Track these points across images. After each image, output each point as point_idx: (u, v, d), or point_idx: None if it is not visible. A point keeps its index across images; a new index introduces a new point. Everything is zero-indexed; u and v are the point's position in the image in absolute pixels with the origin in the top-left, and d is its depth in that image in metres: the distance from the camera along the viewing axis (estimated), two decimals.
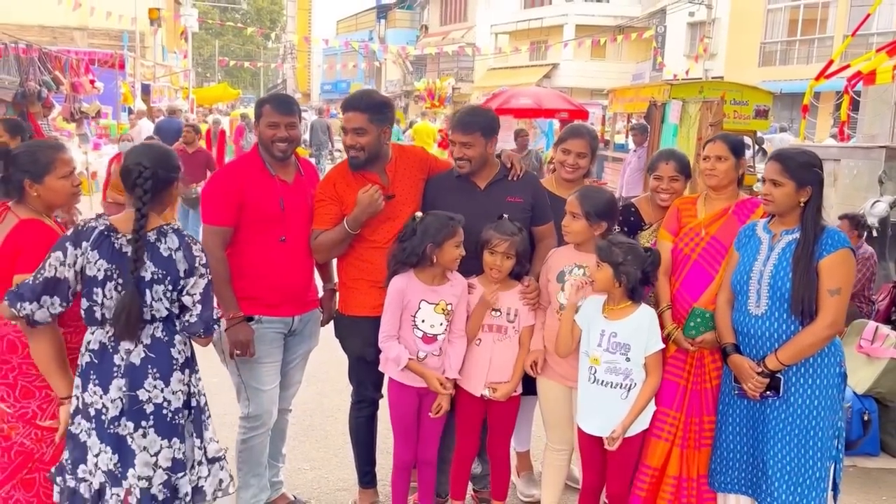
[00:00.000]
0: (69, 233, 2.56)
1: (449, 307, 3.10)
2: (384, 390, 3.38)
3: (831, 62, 10.10)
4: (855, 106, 10.10)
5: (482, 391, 3.17)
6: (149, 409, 2.54)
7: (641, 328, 2.94)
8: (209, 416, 2.76)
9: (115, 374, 2.52)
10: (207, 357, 5.40)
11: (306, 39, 38.40)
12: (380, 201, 3.09)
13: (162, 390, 2.55)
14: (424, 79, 26.96)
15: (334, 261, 3.42)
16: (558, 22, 34.12)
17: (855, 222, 5.77)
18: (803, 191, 2.79)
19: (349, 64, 35.63)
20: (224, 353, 3.20)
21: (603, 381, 2.96)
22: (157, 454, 2.55)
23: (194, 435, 2.68)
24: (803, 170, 2.79)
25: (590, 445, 3.09)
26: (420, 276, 3.10)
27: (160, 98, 20.74)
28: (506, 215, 3.14)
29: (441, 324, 3.10)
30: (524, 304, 3.18)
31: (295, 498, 3.61)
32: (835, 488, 2.94)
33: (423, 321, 3.10)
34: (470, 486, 3.61)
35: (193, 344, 2.75)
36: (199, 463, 2.67)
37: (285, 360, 3.33)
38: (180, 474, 2.59)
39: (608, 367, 2.95)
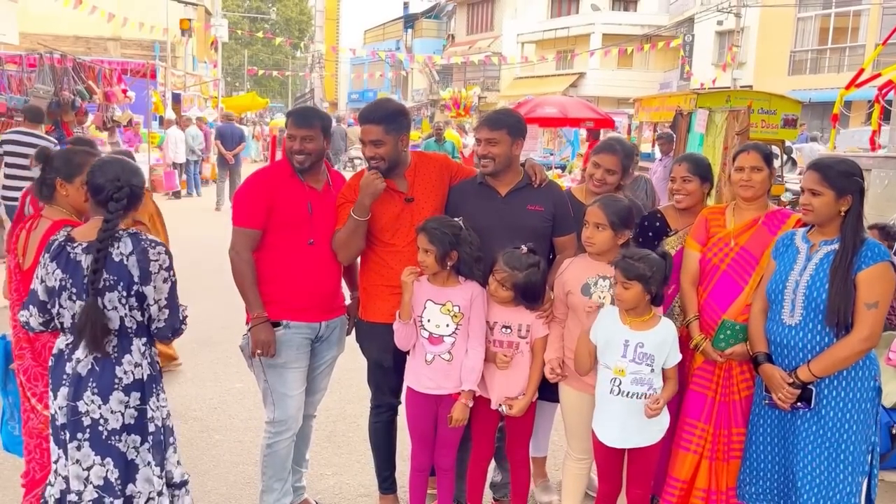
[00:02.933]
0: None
1: (456, 309, 3.10)
2: (403, 396, 3.41)
3: (862, 71, 9.98)
4: (886, 115, 9.94)
5: (499, 407, 3.17)
6: (86, 422, 2.48)
7: (667, 341, 2.93)
8: (174, 440, 2.69)
9: (64, 382, 2.51)
10: (230, 363, 5.49)
11: (334, 49, 38.78)
12: (378, 183, 3.10)
13: (99, 406, 2.47)
14: (450, 88, 27.04)
15: None
16: (585, 31, 34.08)
17: (885, 233, 5.66)
18: (843, 200, 2.74)
19: (376, 73, 35.88)
20: (250, 357, 3.24)
21: (629, 393, 2.93)
22: (89, 469, 2.49)
23: (152, 464, 2.55)
24: (843, 178, 2.74)
25: (607, 455, 3.08)
26: (432, 278, 3.13)
27: (190, 107, 21.06)
28: (525, 247, 3.08)
29: (447, 325, 3.10)
30: (537, 318, 3.15)
31: (316, 503, 3.64)
32: None
33: (428, 321, 3.12)
34: (490, 495, 3.61)
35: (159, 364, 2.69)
36: (160, 493, 2.55)
37: (312, 365, 3.36)
38: (111, 498, 2.49)
39: (634, 378, 2.92)
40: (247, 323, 3.22)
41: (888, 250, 2.80)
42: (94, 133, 12.57)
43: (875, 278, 2.68)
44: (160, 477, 2.57)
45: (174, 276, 2.54)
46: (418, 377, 3.18)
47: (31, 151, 7.76)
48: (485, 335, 3.16)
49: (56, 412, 2.54)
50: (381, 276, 3.29)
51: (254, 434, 4.31)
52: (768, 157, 3.14)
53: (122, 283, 2.45)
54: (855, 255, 2.69)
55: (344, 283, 3.52)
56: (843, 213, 2.76)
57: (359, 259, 3.40)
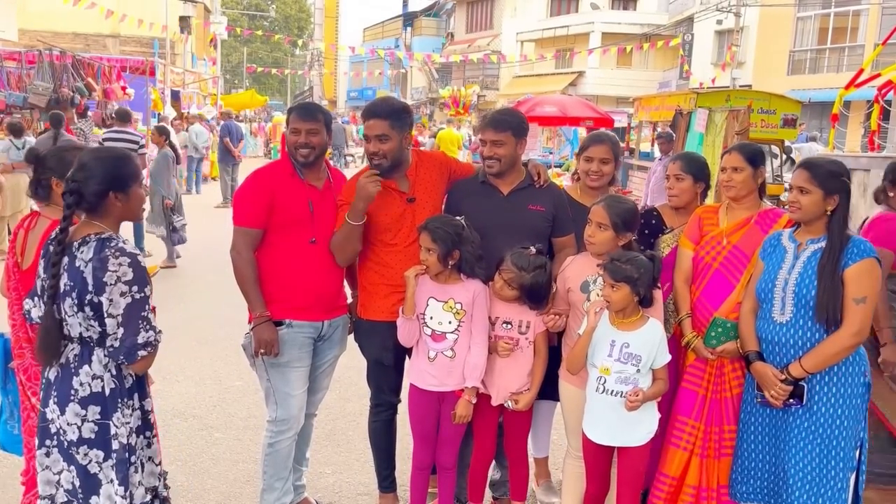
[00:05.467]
0: None
1: (458, 306, 3.12)
2: (402, 395, 3.42)
3: (861, 71, 9.98)
4: (885, 115, 9.97)
5: (505, 402, 3.18)
6: (52, 429, 2.41)
7: (654, 342, 2.95)
8: (140, 458, 2.47)
9: (42, 386, 2.47)
10: (230, 361, 5.49)
11: (333, 47, 38.69)
12: (371, 188, 3.04)
13: (59, 416, 2.38)
14: (449, 86, 27.01)
15: None
16: (584, 30, 34.08)
17: None
18: (830, 199, 2.80)
19: (375, 71, 35.88)
20: (253, 357, 3.24)
21: (613, 391, 2.96)
22: (59, 473, 2.42)
23: (115, 482, 2.39)
24: (831, 178, 2.80)
25: (595, 455, 3.09)
26: (434, 276, 3.15)
27: (189, 104, 21.05)
28: (533, 248, 3.09)
29: (450, 322, 3.13)
30: (538, 315, 3.16)
31: (317, 502, 3.64)
32: (857, 499, 2.92)
33: (431, 318, 3.13)
34: (489, 494, 3.62)
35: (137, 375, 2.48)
36: None
37: (314, 365, 3.36)
38: (76, 503, 2.41)
39: (618, 377, 2.95)
40: (249, 322, 3.21)
41: (873, 247, 2.84)
42: (93, 130, 12.56)
43: (862, 274, 2.74)
44: (124, 497, 2.40)
45: (139, 293, 2.31)
46: (421, 374, 3.20)
47: (125, 145, 8.94)
48: (487, 332, 3.17)
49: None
50: (381, 275, 3.30)
51: (254, 432, 4.31)
52: (752, 157, 3.17)
53: (75, 291, 2.30)
54: (842, 252, 2.75)
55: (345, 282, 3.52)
56: (829, 213, 2.81)
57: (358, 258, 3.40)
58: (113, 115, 10.94)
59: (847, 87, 9.89)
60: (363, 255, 3.34)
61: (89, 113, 12.36)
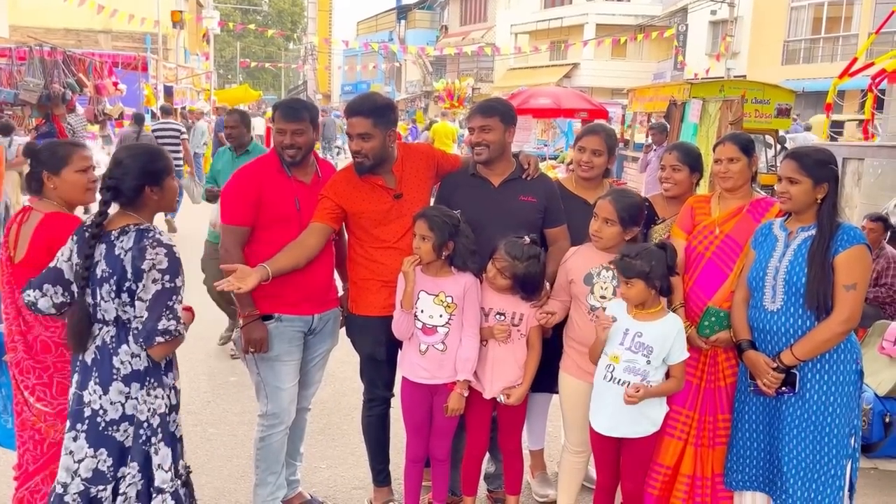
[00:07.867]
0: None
1: (449, 299, 3.10)
2: (396, 389, 3.41)
3: (855, 60, 9.99)
4: (879, 104, 9.96)
5: (497, 396, 3.18)
6: (87, 412, 2.48)
7: (668, 336, 2.93)
8: (163, 438, 2.57)
9: (76, 369, 2.54)
10: (224, 357, 5.48)
11: (326, 41, 38.55)
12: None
13: (100, 397, 2.47)
14: (444, 79, 26.95)
15: None
16: (578, 21, 34.01)
17: (887, 226, 5.64)
18: (820, 188, 2.81)
19: (369, 65, 35.79)
20: (243, 351, 3.23)
21: (620, 380, 2.95)
22: (79, 462, 2.49)
23: (160, 455, 2.53)
24: (819, 167, 2.80)
25: (602, 444, 3.09)
26: (425, 269, 3.13)
27: (182, 99, 20.96)
28: (527, 238, 3.08)
29: (441, 315, 3.11)
30: (532, 307, 3.15)
31: (311, 496, 3.64)
32: (851, 487, 2.92)
33: (422, 311, 3.12)
34: (484, 487, 3.62)
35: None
36: (160, 491, 2.53)
37: (305, 358, 3.35)
38: (100, 487, 2.49)
39: (627, 367, 2.93)
40: (238, 317, 3.20)
41: (877, 240, 2.83)
42: (86, 127, 12.50)
43: (852, 260, 2.74)
44: (170, 470, 2.56)
45: (169, 282, 2.44)
46: (412, 367, 3.19)
47: (171, 134, 10.59)
48: (479, 324, 3.16)
49: (70, 399, 2.57)
50: (370, 270, 3.28)
51: (248, 428, 4.30)
52: (746, 147, 3.16)
53: (114, 277, 2.42)
54: (832, 239, 2.76)
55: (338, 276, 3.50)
56: (819, 201, 2.81)
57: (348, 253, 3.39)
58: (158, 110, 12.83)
59: (841, 77, 9.90)
60: (352, 251, 3.33)
61: (80, 109, 12.28)
